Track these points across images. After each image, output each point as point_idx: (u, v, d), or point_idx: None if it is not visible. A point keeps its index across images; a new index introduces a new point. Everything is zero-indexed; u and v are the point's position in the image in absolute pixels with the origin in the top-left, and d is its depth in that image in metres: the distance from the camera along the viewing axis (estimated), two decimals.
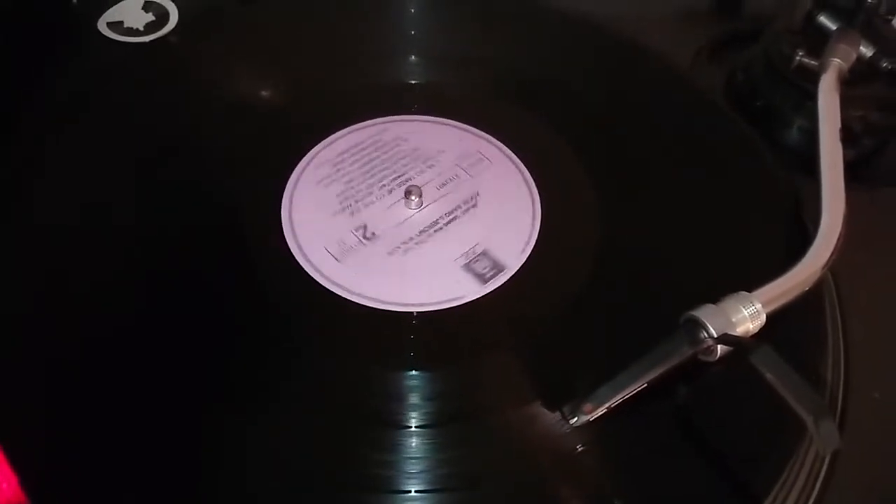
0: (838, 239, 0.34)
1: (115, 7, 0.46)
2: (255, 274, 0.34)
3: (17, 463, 0.27)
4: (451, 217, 0.36)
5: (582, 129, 0.41)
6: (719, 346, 0.29)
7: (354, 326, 0.33)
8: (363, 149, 0.39)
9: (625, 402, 0.29)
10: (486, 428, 0.30)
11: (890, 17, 0.43)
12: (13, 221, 0.36)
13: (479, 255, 0.35)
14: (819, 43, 0.42)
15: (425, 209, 0.37)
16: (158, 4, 0.46)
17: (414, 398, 0.30)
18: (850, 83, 0.40)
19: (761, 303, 0.30)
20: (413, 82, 0.43)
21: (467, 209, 0.37)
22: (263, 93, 0.42)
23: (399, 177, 0.38)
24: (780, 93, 0.44)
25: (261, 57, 0.44)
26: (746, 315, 0.30)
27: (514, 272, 0.34)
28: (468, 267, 0.34)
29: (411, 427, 0.30)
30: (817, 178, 0.36)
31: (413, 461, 0.29)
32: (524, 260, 0.35)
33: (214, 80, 0.42)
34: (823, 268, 0.33)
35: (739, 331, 0.29)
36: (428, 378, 0.31)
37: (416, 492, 0.28)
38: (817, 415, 0.26)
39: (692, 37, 0.50)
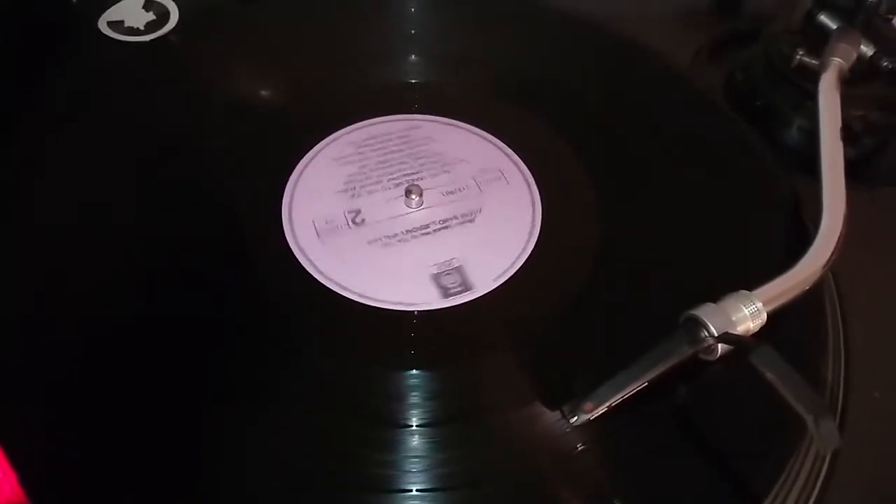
0: (839, 238, 0.34)
1: (115, 6, 0.46)
2: (256, 274, 0.34)
3: (17, 462, 0.27)
4: (443, 225, 0.36)
5: (582, 129, 0.41)
6: (720, 345, 0.29)
7: (354, 326, 0.33)
8: (390, 139, 0.39)
9: (625, 402, 0.29)
10: (486, 427, 0.30)
11: (890, 17, 0.43)
12: (13, 221, 0.36)
13: (452, 269, 0.34)
14: (819, 42, 0.42)
15: (422, 211, 0.37)
16: (159, 3, 0.46)
17: (414, 398, 0.30)
18: (851, 82, 0.40)
19: (762, 302, 0.30)
20: (413, 81, 0.43)
21: (463, 222, 0.36)
22: (263, 92, 0.42)
23: (412, 174, 0.38)
24: (779, 92, 0.44)
25: (261, 56, 0.44)
26: (747, 314, 0.30)
27: (479, 295, 0.34)
28: (437, 278, 0.34)
29: (411, 427, 0.30)
30: (818, 178, 0.36)
31: (413, 461, 0.29)
32: (494, 286, 0.34)
33: (215, 80, 0.42)
34: (824, 267, 0.33)
35: (740, 330, 0.29)
36: (428, 377, 0.31)
37: (416, 491, 0.28)
38: (817, 414, 0.26)
39: (692, 37, 0.50)
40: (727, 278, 0.31)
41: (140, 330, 0.32)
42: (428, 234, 0.36)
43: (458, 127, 0.40)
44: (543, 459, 0.29)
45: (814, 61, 0.42)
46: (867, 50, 0.42)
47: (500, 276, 0.34)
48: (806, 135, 0.43)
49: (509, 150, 0.39)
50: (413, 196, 0.37)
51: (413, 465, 0.29)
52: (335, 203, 0.37)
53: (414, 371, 0.31)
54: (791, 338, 0.31)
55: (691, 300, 0.30)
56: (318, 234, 0.35)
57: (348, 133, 0.40)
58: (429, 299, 0.33)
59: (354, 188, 0.37)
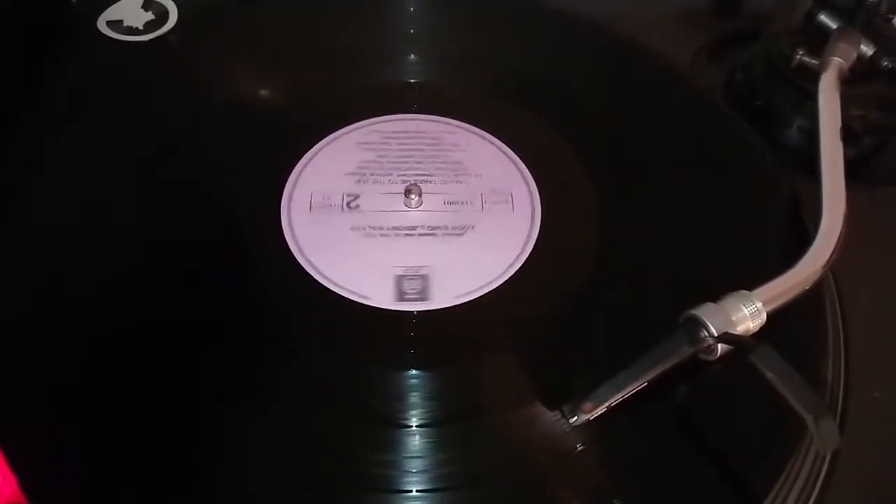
0: (839, 238, 0.34)
1: (114, 6, 0.46)
2: (255, 274, 0.34)
3: (17, 463, 0.27)
4: (430, 231, 0.36)
5: (582, 128, 0.41)
6: (719, 345, 0.29)
7: (354, 326, 0.33)
8: (419, 138, 0.39)
9: (625, 402, 0.29)
10: (486, 427, 0.30)
11: (890, 16, 0.43)
12: (13, 221, 0.36)
13: (417, 276, 0.34)
14: (819, 42, 0.42)
15: (416, 212, 0.37)
16: (158, 3, 0.46)
17: (414, 398, 0.30)
18: (851, 82, 0.40)
19: (762, 301, 0.30)
20: (413, 81, 0.43)
21: (451, 234, 0.36)
22: (263, 92, 0.42)
23: (423, 175, 0.38)
24: (779, 92, 0.44)
25: (260, 56, 0.44)
26: (747, 314, 0.30)
27: (433, 308, 0.33)
28: (399, 280, 0.34)
29: (411, 427, 0.30)
30: (817, 178, 0.36)
31: (413, 461, 0.29)
32: (451, 303, 0.33)
33: (214, 80, 0.42)
34: (824, 267, 0.33)
35: (740, 330, 0.29)
36: (428, 378, 0.31)
37: (416, 491, 0.28)
38: (817, 414, 0.26)
39: (692, 37, 0.50)
40: (727, 278, 0.31)
41: (140, 330, 0.32)
42: (412, 236, 0.36)
43: (489, 142, 0.39)
44: (543, 459, 0.29)
45: (814, 61, 0.42)
46: (867, 49, 0.42)
47: (461, 296, 0.33)
48: (806, 135, 0.43)
49: (526, 171, 0.38)
50: (412, 196, 0.37)
51: (413, 466, 0.29)
52: (339, 183, 0.37)
53: (414, 371, 0.31)
54: (791, 338, 0.31)
55: (691, 300, 0.30)
56: (311, 206, 0.35)
57: (366, 126, 0.40)
58: (382, 298, 0.33)
59: (364, 175, 0.38)
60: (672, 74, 0.45)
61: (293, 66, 0.43)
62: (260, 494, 0.28)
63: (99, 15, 0.45)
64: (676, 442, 0.30)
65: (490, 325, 0.33)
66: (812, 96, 0.40)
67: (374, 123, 0.40)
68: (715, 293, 0.30)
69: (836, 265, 0.34)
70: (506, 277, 0.34)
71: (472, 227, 0.36)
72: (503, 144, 0.39)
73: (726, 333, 0.29)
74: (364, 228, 0.36)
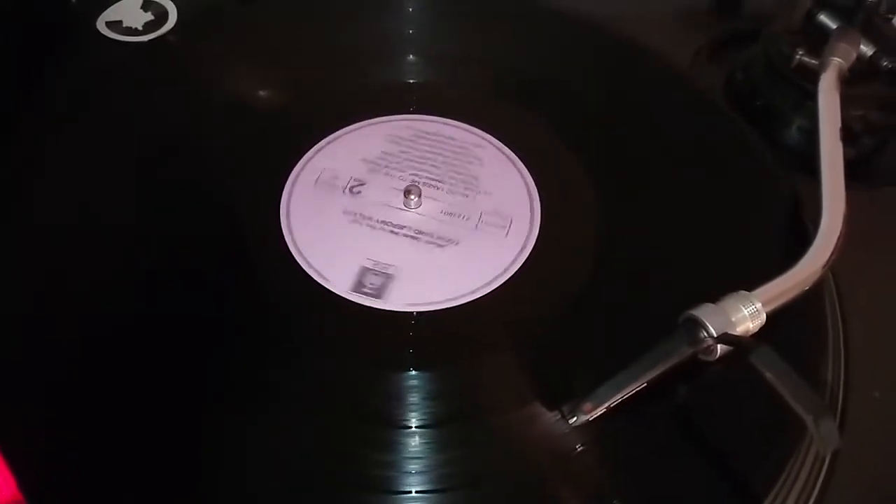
0: (838, 238, 0.34)
1: (114, 6, 0.46)
2: (255, 274, 0.34)
3: (16, 463, 0.27)
4: (415, 235, 0.36)
5: (582, 129, 0.41)
6: (719, 346, 0.29)
7: (354, 326, 0.33)
8: (447, 144, 0.39)
9: (624, 402, 0.29)
10: (485, 428, 0.30)
11: (890, 16, 0.43)
12: (13, 221, 0.36)
13: (382, 273, 0.34)
14: (819, 42, 0.42)
15: (409, 213, 0.37)
16: (157, 4, 0.46)
17: (414, 398, 0.30)
18: (851, 82, 0.40)
19: (761, 302, 0.30)
20: (412, 81, 0.43)
21: (433, 243, 0.36)
22: (262, 92, 0.42)
23: (434, 180, 0.38)
24: (779, 92, 0.44)
25: (259, 56, 0.44)
26: (746, 314, 0.30)
27: (379, 307, 0.33)
28: (363, 271, 0.34)
29: (411, 427, 0.30)
30: (817, 178, 0.36)
31: (413, 461, 0.29)
32: (400, 308, 0.33)
33: (213, 80, 0.42)
34: (823, 267, 0.33)
35: (739, 330, 0.29)
36: (428, 378, 0.31)
37: (416, 492, 0.28)
38: (817, 414, 0.26)
39: (692, 37, 0.50)
40: (727, 278, 0.31)
41: (140, 330, 0.32)
42: (396, 234, 0.36)
43: (513, 164, 0.38)
44: (543, 460, 0.29)
45: (813, 61, 0.42)
46: (867, 50, 0.42)
47: (415, 304, 0.33)
48: (806, 135, 0.43)
49: (535, 195, 0.38)
50: (412, 197, 0.37)
51: (413, 466, 0.29)
52: (352, 167, 0.38)
53: (414, 371, 0.31)
54: (791, 338, 0.31)
55: (691, 300, 0.30)
56: (317, 181, 0.36)
57: (401, 121, 0.40)
58: (339, 284, 0.34)
59: (379, 165, 0.38)
60: (672, 74, 0.45)
61: (293, 66, 0.43)
62: (260, 494, 0.28)
63: (98, 15, 0.45)
64: (676, 442, 0.30)
65: (490, 325, 0.33)
66: (812, 96, 0.40)
67: (409, 120, 0.40)
68: (714, 293, 0.30)
69: (835, 265, 0.34)
70: (475, 296, 0.34)
71: (457, 243, 0.36)
72: (525, 169, 0.38)
73: (726, 334, 0.29)
74: (355, 214, 0.36)
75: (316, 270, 0.34)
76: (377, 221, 0.36)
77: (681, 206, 0.37)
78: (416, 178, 0.38)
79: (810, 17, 0.44)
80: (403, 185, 0.37)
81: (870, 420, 0.34)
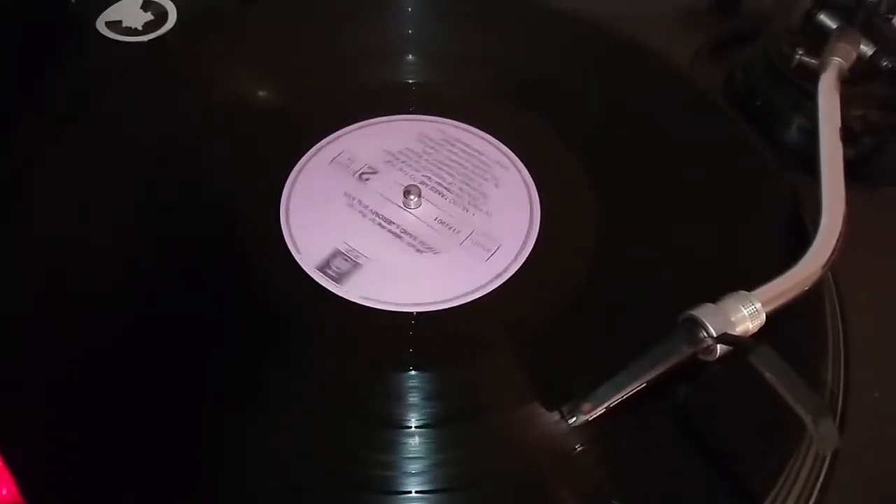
0: (838, 238, 0.33)
1: (113, 6, 0.45)
2: (255, 274, 0.34)
3: (16, 463, 0.27)
4: (398, 233, 0.36)
5: (581, 128, 0.41)
6: (718, 346, 0.29)
7: (354, 326, 0.33)
8: (472, 156, 0.39)
9: (624, 402, 0.29)
10: (485, 428, 0.30)
11: (890, 16, 0.43)
12: (13, 221, 0.36)
13: (352, 260, 0.34)
14: (819, 42, 0.42)
15: (404, 211, 0.37)
16: (157, 4, 0.46)
17: (413, 398, 0.30)
18: (850, 82, 0.40)
19: (761, 302, 0.30)
20: (411, 81, 0.43)
21: (412, 246, 0.35)
22: (262, 93, 0.42)
23: (442, 187, 0.38)
24: (779, 92, 0.44)
25: (260, 56, 0.44)
26: (746, 314, 0.30)
27: (332, 290, 0.33)
28: (335, 254, 0.35)
29: (411, 427, 0.30)
30: (817, 178, 0.36)
31: (412, 461, 0.29)
32: (353, 299, 0.33)
33: (212, 80, 0.42)
34: (823, 267, 0.33)
35: (739, 330, 0.29)
36: (427, 378, 0.31)
37: (415, 492, 0.28)
38: (816, 414, 0.26)
39: (692, 37, 0.50)
40: (726, 278, 0.31)
41: (140, 330, 0.32)
42: (382, 228, 0.36)
43: (528, 193, 0.37)
44: (542, 460, 0.29)
45: (813, 61, 0.42)
46: (867, 49, 0.41)
47: (368, 299, 0.33)
48: (806, 134, 0.43)
49: (537, 219, 0.37)
50: (411, 197, 0.37)
51: (412, 466, 0.29)
52: (372, 155, 0.38)
53: (413, 371, 0.31)
54: (790, 338, 0.31)
55: (691, 300, 0.30)
56: (332, 160, 0.37)
57: (437, 123, 0.40)
58: (307, 260, 0.34)
59: (398, 159, 0.38)
60: (672, 74, 0.45)
61: (293, 66, 0.43)
62: (260, 494, 0.28)
63: (98, 15, 0.45)
64: (676, 442, 0.30)
65: (489, 325, 0.33)
66: (812, 96, 0.40)
67: (441, 123, 0.40)
68: (714, 293, 0.30)
69: (835, 265, 0.33)
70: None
71: (436, 253, 0.35)
72: (538, 197, 0.37)
73: (725, 334, 0.29)
74: (353, 199, 0.37)
75: (293, 240, 0.34)
76: (370, 211, 0.36)
77: (680, 205, 0.37)
78: (425, 181, 0.38)
79: (810, 16, 0.44)
80: (408, 182, 0.37)
81: (869, 420, 0.34)
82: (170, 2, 0.46)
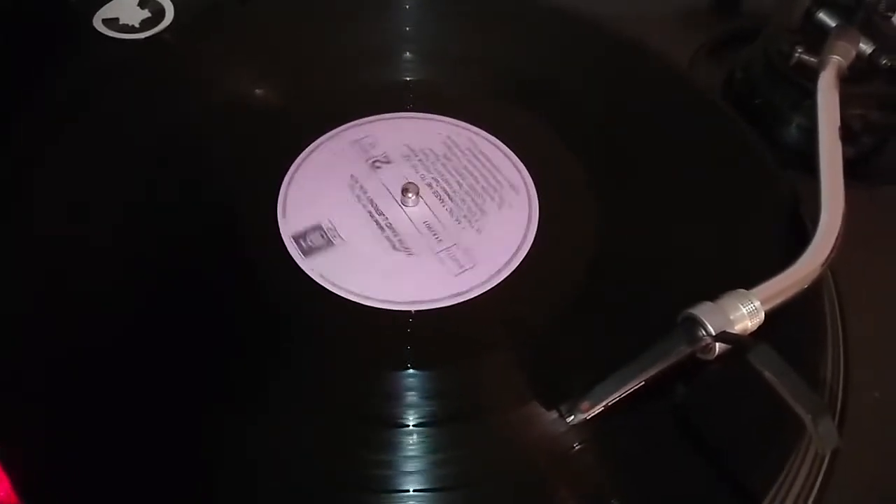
0: (837, 237, 0.33)
1: (110, 3, 0.45)
2: (255, 274, 0.34)
3: (16, 463, 0.27)
4: (383, 227, 0.36)
5: (581, 128, 0.41)
6: (717, 345, 0.29)
7: (354, 326, 0.33)
8: (489, 172, 0.38)
9: (622, 401, 0.29)
10: (483, 427, 0.30)
11: (889, 14, 0.42)
12: (13, 221, 0.36)
13: (328, 238, 0.35)
14: (818, 40, 0.42)
15: (397, 207, 0.37)
16: (154, 1, 0.45)
17: (413, 398, 0.30)
18: (850, 80, 0.40)
19: (760, 300, 0.30)
20: (408, 79, 0.43)
21: (390, 242, 0.35)
22: (261, 91, 0.42)
23: (446, 194, 0.37)
24: (779, 91, 0.44)
25: (258, 54, 0.44)
26: (745, 313, 0.30)
27: (301, 264, 0.34)
28: (316, 227, 0.35)
29: (410, 427, 0.30)
30: (816, 176, 0.36)
31: (412, 460, 0.29)
32: (313, 276, 0.34)
33: (211, 78, 0.42)
34: (823, 265, 0.33)
35: (738, 329, 0.29)
36: (426, 377, 0.31)
37: (414, 491, 0.28)
38: (816, 413, 0.26)
39: (692, 37, 0.50)
40: (726, 277, 0.31)
41: (140, 330, 0.32)
42: (371, 216, 0.36)
43: (530, 216, 0.36)
44: (541, 459, 0.29)
45: (813, 59, 0.42)
46: (866, 48, 0.41)
47: (325, 280, 0.34)
48: (805, 133, 0.43)
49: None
50: (408, 195, 0.37)
51: (411, 465, 0.29)
52: (393, 146, 0.39)
53: (413, 371, 0.31)
54: (790, 337, 0.31)
55: (690, 299, 0.30)
56: (355, 141, 0.38)
57: (462, 129, 0.40)
58: (290, 225, 0.35)
59: (416, 157, 0.38)
60: (672, 74, 0.45)
61: (292, 65, 0.43)
62: (260, 494, 0.28)
63: (95, 12, 0.45)
64: (675, 441, 0.30)
65: (489, 325, 0.33)
66: (811, 94, 0.39)
67: (474, 133, 0.40)
68: (713, 292, 0.30)
69: (835, 264, 0.33)
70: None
71: (409, 254, 0.35)
72: (536, 221, 0.36)
73: (724, 332, 0.29)
74: (356, 182, 0.37)
75: (284, 206, 0.35)
76: (367, 198, 0.37)
77: (680, 204, 0.37)
78: (431, 183, 0.38)
79: (809, 15, 0.44)
80: (412, 178, 0.37)
81: (869, 419, 0.34)
82: None
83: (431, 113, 0.41)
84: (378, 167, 0.38)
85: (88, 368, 0.31)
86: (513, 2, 0.48)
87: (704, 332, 0.29)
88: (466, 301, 0.33)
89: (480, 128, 0.40)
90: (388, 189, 0.37)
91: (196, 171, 0.38)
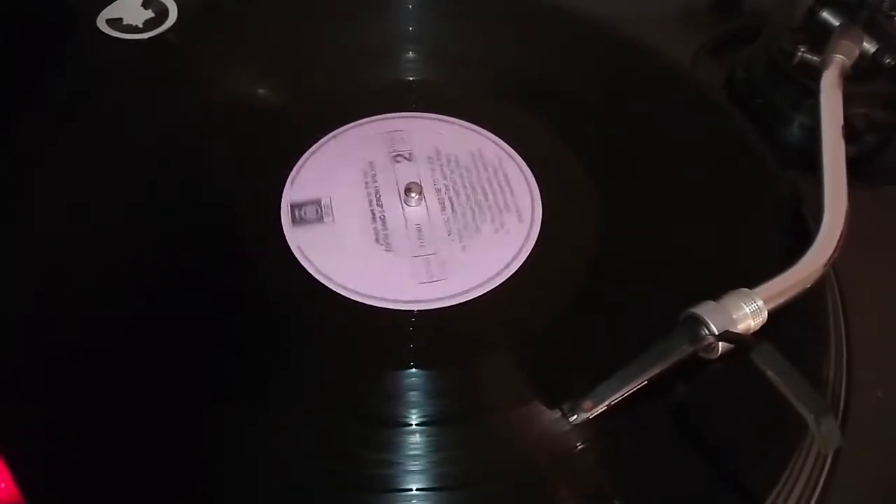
0: (840, 236, 0.33)
1: (114, 4, 0.45)
2: (255, 274, 0.34)
3: (16, 463, 0.27)
4: (376, 218, 0.36)
5: (582, 128, 0.41)
6: (720, 344, 0.29)
7: (354, 326, 0.33)
8: (503, 191, 0.37)
9: (625, 400, 0.29)
10: (485, 426, 0.30)
11: (893, 13, 0.42)
12: (13, 221, 0.36)
13: (320, 214, 0.35)
14: (821, 39, 0.42)
15: (396, 203, 0.37)
16: (158, 1, 0.46)
17: (413, 397, 0.30)
18: (853, 79, 0.40)
19: (763, 300, 0.30)
20: (411, 79, 0.43)
21: (376, 236, 0.35)
22: (262, 91, 0.42)
23: (449, 201, 0.37)
24: (780, 91, 0.44)
25: (260, 54, 0.44)
26: (748, 312, 0.30)
27: (285, 227, 0.35)
28: (314, 201, 0.36)
29: (411, 426, 0.30)
30: (819, 176, 0.36)
31: (413, 460, 0.29)
32: (292, 251, 0.35)
33: (213, 79, 0.42)
34: (825, 265, 0.33)
35: (741, 328, 0.29)
36: (428, 377, 0.31)
37: (416, 490, 0.28)
38: (818, 413, 0.26)
39: (692, 36, 0.50)
40: (728, 277, 0.31)
41: (140, 330, 0.32)
42: (370, 204, 0.37)
43: (530, 239, 0.36)
44: (543, 459, 0.29)
45: (815, 58, 0.42)
46: (869, 47, 0.41)
47: (298, 251, 0.35)
48: (807, 132, 0.43)
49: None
50: (412, 194, 0.37)
51: (412, 465, 0.29)
52: (422, 145, 0.39)
53: (413, 371, 0.31)
54: (792, 336, 0.31)
55: (692, 299, 0.30)
56: (388, 131, 0.39)
57: (491, 140, 0.40)
58: (292, 195, 0.37)
59: (440, 162, 0.38)
60: (672, 74, 0.45)
61: (293, 65, 0.43)
62: (260, 494, 0.28)
63: (98, 13, 0.45)
64: (677, 441, 0.30)
65: (490, 325, 0.33)
66: (813, 94, 0.39)
67: (499, 148, 0.39)
68: (716, 292, 0.30)
69: (838, 264, 0.33)
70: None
71: (389, 251, 0.35)
72: (532, 244, 0.36)
73: (727, 332, 0.29)
74: (371, 169, 0.38)
75: (294, 178, 0.37)
76: (374, 187, 0.37)
77: (681, 204, 0.37)
78: (441, 189, 0.37)
79: (812, 13, 0.43)
80: (418, 178, 0.37)
81: (872, 419, 0.34)
82: None
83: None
84: (398, 161, 0.38)
85: (88, 368, 0.31)
86: (514, 2, 0.48)
87: (707, 331, 0.29)
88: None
89: (505, 141, 0.40)
90: (396, 183, 0.37)
91: (199, 171, 0.38)
